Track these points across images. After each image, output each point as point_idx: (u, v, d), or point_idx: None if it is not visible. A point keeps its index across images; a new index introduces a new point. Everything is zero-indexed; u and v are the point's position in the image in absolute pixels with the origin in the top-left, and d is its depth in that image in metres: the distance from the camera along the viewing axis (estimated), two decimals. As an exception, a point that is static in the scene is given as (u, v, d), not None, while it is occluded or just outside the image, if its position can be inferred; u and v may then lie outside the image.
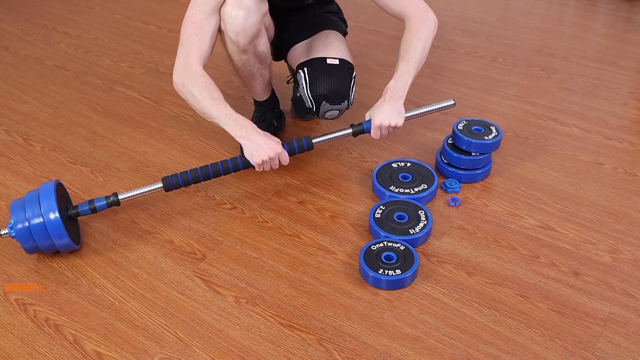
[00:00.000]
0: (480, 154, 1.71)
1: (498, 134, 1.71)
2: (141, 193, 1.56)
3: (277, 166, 1.55)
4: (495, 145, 1.70)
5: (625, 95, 2.20)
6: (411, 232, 1.51)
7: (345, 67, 1.69)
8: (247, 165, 1.56)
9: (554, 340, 1.29)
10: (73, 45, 2.67)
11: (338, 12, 1.89)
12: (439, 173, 1.78)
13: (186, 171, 1.57)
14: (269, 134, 1.57)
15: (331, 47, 1.72)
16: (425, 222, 1.54)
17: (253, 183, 1.77)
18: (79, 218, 1.59)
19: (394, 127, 1.60)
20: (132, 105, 2.18)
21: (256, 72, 1.72)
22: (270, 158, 1.51)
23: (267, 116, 1.89)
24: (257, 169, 1.54)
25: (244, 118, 1.54)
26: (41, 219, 1.41)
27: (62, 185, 1.59)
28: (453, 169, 1.73)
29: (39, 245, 1.45)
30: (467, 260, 1.49)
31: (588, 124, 2.03)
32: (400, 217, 1.56)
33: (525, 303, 1.38)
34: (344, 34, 1.84)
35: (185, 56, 1.51)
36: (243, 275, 1.47)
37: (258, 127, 1.84)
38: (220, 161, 1.59)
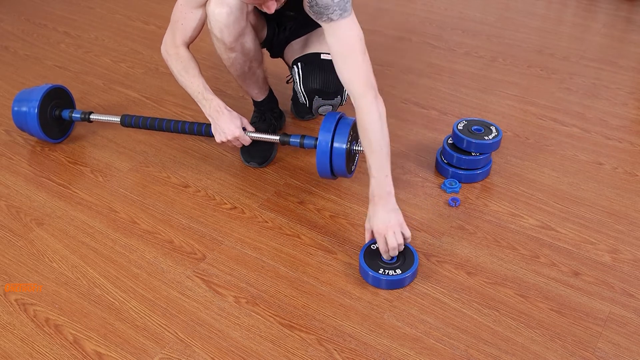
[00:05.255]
0: (480, 154, 1.71)
1: (498, 134, 1.71)
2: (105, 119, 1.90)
3: (240, 145, 1.69)
4: (495, 145, 1.71)
5: (625, 95, 2.20)
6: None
7: None
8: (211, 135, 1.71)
9: (554, 340, 1.29)
10: (73, 45, 2.67)
11: None
12: (439, 173, 1.78)
13: (154, 118, 1.81)
14: (237, 115, 1.66)
15: (326, 43, 1.72)
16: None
17: (253, 183, 1.77)
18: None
19: (400, 234, 1.42)
20: (132, 105, 2.18)
21: (247, 70, 1.72)
22: (228, 140, 1.65)
23: (267, 116, 1.89)
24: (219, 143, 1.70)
25: (215, 97, 1.64)
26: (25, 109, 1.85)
27: (66, 91, 1.97)
28: (453, 169, 1.74)
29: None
30: (467, 260, 1.49)
31: (588, 124, 2.03)
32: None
33: (525, 303, 1.38)
34: None
35: (172, 36, 1.66)
36: (243, 275, 1.47)
37: (258, 127, 1.86)
38: (193, 122, 1.76)
